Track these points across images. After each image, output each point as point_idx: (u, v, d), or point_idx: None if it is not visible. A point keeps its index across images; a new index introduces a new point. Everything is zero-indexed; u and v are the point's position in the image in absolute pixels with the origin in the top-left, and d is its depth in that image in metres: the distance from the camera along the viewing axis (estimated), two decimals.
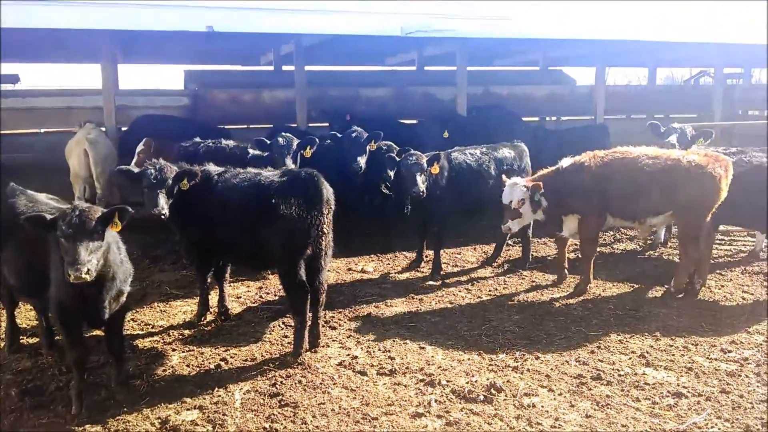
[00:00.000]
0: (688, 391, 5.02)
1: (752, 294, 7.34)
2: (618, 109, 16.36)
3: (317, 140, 8.45)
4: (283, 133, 8.24)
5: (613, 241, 10.05)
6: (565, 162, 7.39)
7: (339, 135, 9.07)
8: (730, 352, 5.77)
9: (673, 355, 5.74)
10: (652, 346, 5.91)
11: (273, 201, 5.43)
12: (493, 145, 8.62)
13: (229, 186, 5.99)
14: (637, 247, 9.62)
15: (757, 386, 5.09)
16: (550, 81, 17.05)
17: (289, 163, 7.86)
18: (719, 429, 4.47)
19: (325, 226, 5.64)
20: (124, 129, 11.83)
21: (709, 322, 6.51)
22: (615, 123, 14.57)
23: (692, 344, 5.95)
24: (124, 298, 4.99)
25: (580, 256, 8.12)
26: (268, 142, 8.21)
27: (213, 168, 6.37)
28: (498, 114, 12.68)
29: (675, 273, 7.39)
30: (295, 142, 8.16)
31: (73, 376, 4.88)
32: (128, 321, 6.63)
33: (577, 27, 13.61)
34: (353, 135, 8.87)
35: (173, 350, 5.96)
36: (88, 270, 4.18)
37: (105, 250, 4.45)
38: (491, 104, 13.71)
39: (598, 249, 9.36)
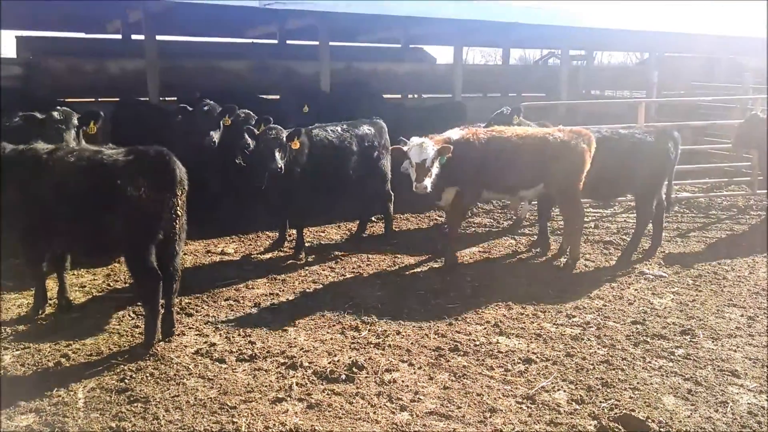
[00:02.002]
0: (537, 357, 5.32)
1: (593, 261, 7.95)
2: (475, 87, 16.97)
3: (102, 114, 7.52)
4: (60, 107, 7.28)
5: (470, 215, 10.45)
6: (454, 134, 7.42)
7: (189, 108, 8.57)
8: (574, 317, 6.20)
9: (524, 323, 6.06)
10: (505, 315, 6.21)
11: (118, 182, 4.98)
12: (353, 121, 8.57)
13: (63, 165, 5.34)
14: (493, 221, 10.07)
15: (598, 348, 5.51)
16: (411, 59, 17.33)
17: (69, 140, 6.96)
18: (564, 391, 4.77)
19: (178, 208, 5.29)
20: None
21: (557, 289, 6.95)
22: (472, 101, 15.10)
23: (540, 311, 6.33)
24: None
25: (447, 228, 8.32)
26: (40, 116, 7.08)
27: (42, 146, 5.71)
28: (359, 91, 12.68)
29: (567, 244, 7.92)
30: (75, 116, 7.24)
31: None
32: None
33: (437, 6, 13.86)
34: (205, 109, 8.43)
35: (5, 349, 5.35)
36: None
37: None
38: (353, 80, 13.67)
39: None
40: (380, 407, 4.52)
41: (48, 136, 6.52)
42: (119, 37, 14.79)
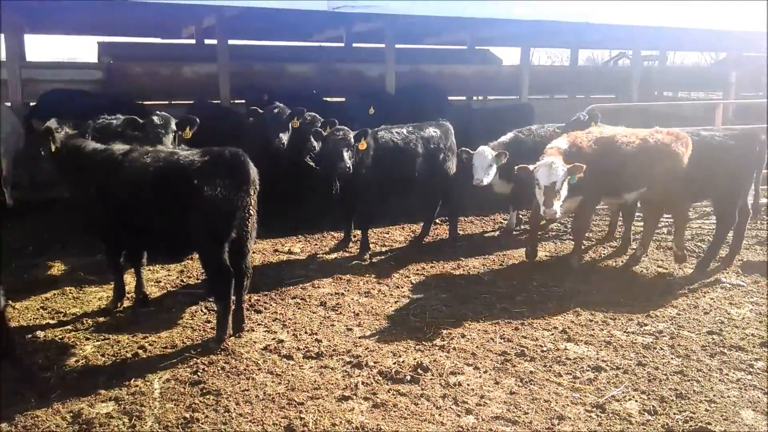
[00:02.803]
0: (607, 365, 5.18)
1: (665, 269, 7.67)
2: (542, 88, 16.68)
3: (198, 120, 7.70)
4: (159, 112, 7.63)
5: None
6: (562, 143, 7.21)
7: (260, 111, 8.78)
8: (646, 325, 6.01)
9: (593, 329, 5.92)
10: (573, 322, 6.08)
11: (194, 182, 5.17)
12: (419, 123, 8.58)
13: (141, 165, 5.56)
14: (560, 225, 9.87)
15: (672, 358, 5.32)
16: (477, 60, 17.20)
17: (167, 144, 7.22)
18: (636, 400, 4.63)
19: (251, 208, 5.45)
20: (32, 104, 11.09)
21: (627, 296, 6.75)
22: (538, 102, 14.86)
23: (610, 318, 6.16)
24: None
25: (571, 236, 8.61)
26: (141, 121, 7.43)
27: (119, 146, 5.99)
28: (425, 92, 12.68)
29: (675, 238, 7.75)
30: (173, 121, 7.52)
31: None
32: (37, 309, 6.28)
33: (504, 7, 13.73)
34: (275, 111, 8.62)
35: (87, 339, 5.64)
36: None
37: None
38: (419, 82, 13.68)
39: (525, 227, 9.61)
40: (446, 409, 4.51)
41: (148, 139, 6.90)
42: (193, 41, 15.30)
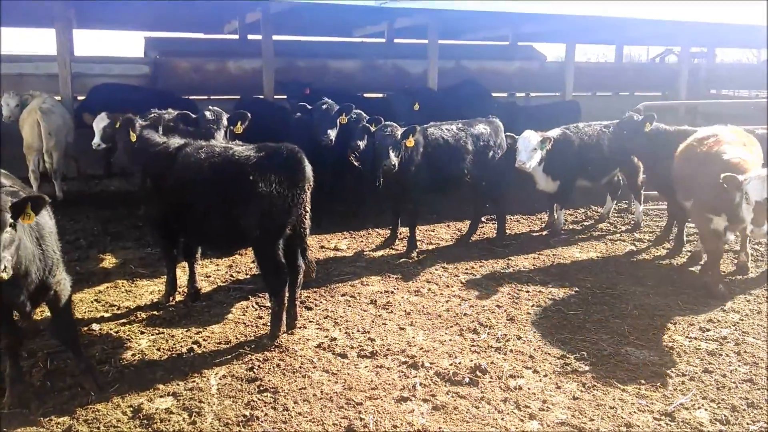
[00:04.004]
0: (672, 371, 5.01)
1: (724, 272, 7.41)
2: (585, 85, 16.35)
3: (249, 115, 7.74)
4: (211, 107, 7.65)
5: (584, 218, 10.07)
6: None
7: (309, 107, 8.74)
8: (708, 330, 5.79)
9: (653, 334, 5.73)
10: (631, 325, 5.90)
11: (251, 178, 5.13)
12: (468, 120, 8.44)
13: (196, 160, 5.58)
14: (609, 226, 9.64)
15: (738, 365, 5.11)
16: (520, 56, 16.94)
17: (219, 138, 7.20)
18: (706, 409, 4.46)
19: (306, 204, 5.40)
20: (81, 98, 11.26)
21: (685, 300, 6.54)
22: (582, 100, 14.56)
23: (671, 323, 5.96)
24: (58, 289, 4.45)
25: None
26: (194, 116, 7.50)
27: (175, 141, 6.01)
28: (469, 89, 12.51)
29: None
30: (225, 116, 7.56)
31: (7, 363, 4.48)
32: (91, 302, 6.34)
33: (548, 3, 13.47)
34: (323, 107, 8.58)
35: (141, 333, 5.67)
36: (5, 267, 3.64)
37: (18, 245, 3.89)
38: (462, 79, 13.50)
39: (571, 227, 9.43)
40: (508, 414, 4.40)
41: (200, 134, 6.91)
42: (236, 37, 15.37)
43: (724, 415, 4.38)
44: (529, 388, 4.74)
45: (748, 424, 4.29)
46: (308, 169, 5.40)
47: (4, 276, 3.66)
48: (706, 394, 4.67)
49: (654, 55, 22.14)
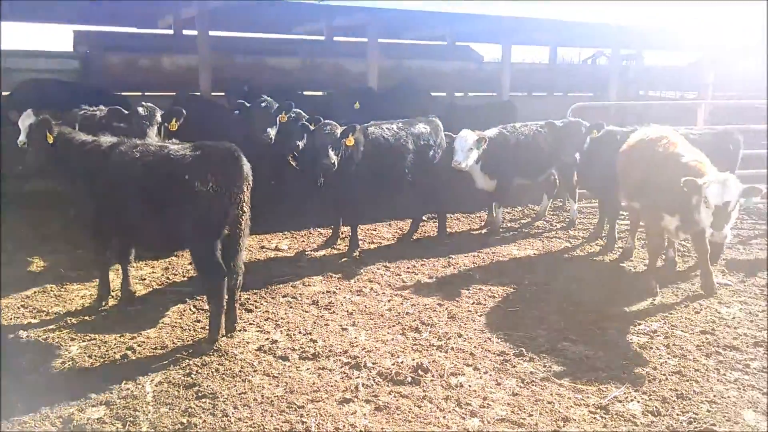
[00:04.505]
0: (605, 365, 5.16)
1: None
2: (521, 86, 16.72)
3: (184, 112, 7.60)
4: (144, 103, 7.46)
5: (521, 216, 10.29)
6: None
7: (247, 104, 8.58)
8: (639, 324, 6.01)
9: (588, 328, 5.90)
10: (568, 321, 6.06)
11: (187, 177, 4.99)
12: (409, 119, 8.48)
13: (131, 159, 5.38)
14: (545, 224, 9.87)
15: (668, 358, 5.32)
16: (458, 56, 17.14)
17: (152, 136, 7.11)
18: (638, 401, 4.62)
19: (244, 204, 5.29)
20: (5, 94, 10.67)
21: (618, 295, 6.75)
22: (518, 100, 14.88)
23: (605, 317, 6.14)
24: None
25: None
26: (126, 112, 7.34)
27: (106, 138, 5.78)
28: (407, 88, 12.56)
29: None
30: (159, 112, 7.38)
31: None
32: (18, 308, 6.05)
33: (484, 3, 13.73)
34: (263, 105, 8.44)
35: (72, 339, 5.43)
36: None
37: None
38: (402, 78, 13.56)
39: (509, 224, 9.61)
40: (449, 412, 4.43)
41: (132, 131, 6.64)
42: (171, 32, 14.93)
43: (656, 407, 4.54)
44: (470, 386, 4.79)
45: (678, 415, 4.46)
46: (246, 167, 5.29)
47: None
48: (638, 387, 4.83)
49: (585, 57, 22.86)
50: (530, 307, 6.39)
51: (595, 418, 4.41)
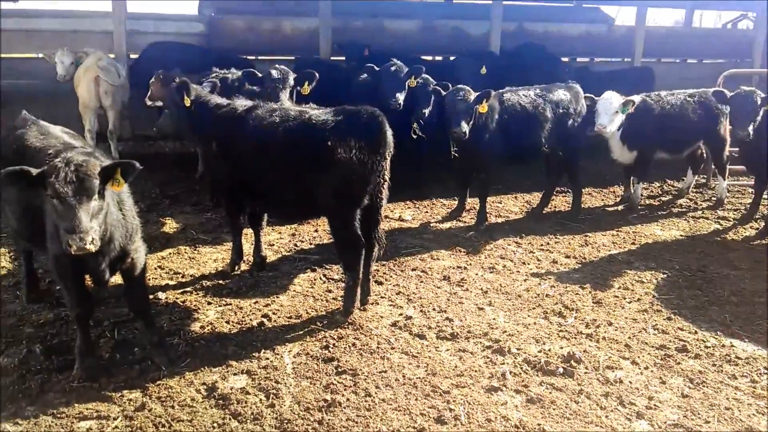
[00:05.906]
0: None
1: None
2: (653, 51, 15.39)
3: (317, 75, 7.30)
4: (278, 65, 7.22)
5: (661, 193, 9.45)
6: None
7: (376, 68, 8.26)
8: None
9: (758, 324, 5.23)
10: (732, 314, 5.40)
11: (329, 144, 4.75)
12: (547, 85, 7.86)
13: (269, 124, 5.21)
14: (689, 202, 9.01)
15: None
16: (585, 19, 15.99)
17: (284, 99, 6.87)
18: None
19: (386, 172, 5.01)
20: (134, 56, 10.99)
21: None
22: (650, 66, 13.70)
23: None
24: (135, 256, 4.23)
25: None
26: (260, 74, 7.12)
27: (241, 102, 5.64)
28: (534, 53, 11.81)
29: None
30: (291, 76, 7.11)
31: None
32: (155, 268, 6.11)
33: None
34: (392, 69, 8.08)
35: (209, 303, 5.42)
36: (93, 239, 3.45)
37: (106, 213, 3.69)
38: (523, 42, 12.78)
39: (648, 202, 8.86)
40: (611, 411, 4.00)
41: (265, 93, 6.52)
42: None
43: None
44: (630, 382, 4.32)
45: None
46: (389, 134, 5.00)
47: (92, 249, 3.44)
48: None
49: (726, 21, 20.78)
50: (685, 295, 5.77)
51: None
